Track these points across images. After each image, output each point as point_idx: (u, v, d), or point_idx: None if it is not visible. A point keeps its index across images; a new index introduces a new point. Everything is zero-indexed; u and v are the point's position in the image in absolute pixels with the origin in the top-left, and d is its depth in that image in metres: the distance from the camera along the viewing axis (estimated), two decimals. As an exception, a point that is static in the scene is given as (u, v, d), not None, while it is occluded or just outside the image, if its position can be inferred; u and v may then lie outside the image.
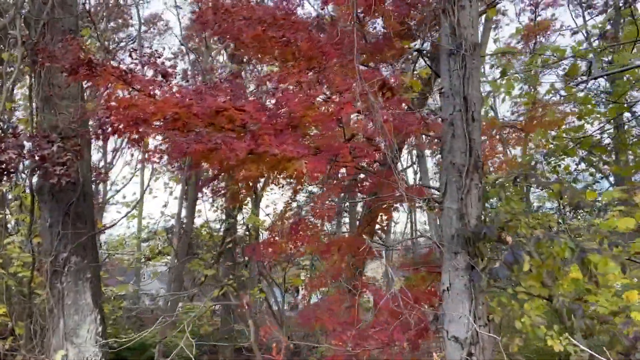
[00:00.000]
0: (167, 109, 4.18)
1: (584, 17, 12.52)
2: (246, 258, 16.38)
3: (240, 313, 15.72)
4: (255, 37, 4.95)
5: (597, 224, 4.71)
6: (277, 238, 5.77)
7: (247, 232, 14.58)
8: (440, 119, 4.66)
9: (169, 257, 15.56)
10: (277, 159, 3.95)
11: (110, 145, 17.23)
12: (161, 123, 4.26)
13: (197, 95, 4.31)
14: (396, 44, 6.26)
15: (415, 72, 5.59)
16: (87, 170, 7.17)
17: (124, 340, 8.54)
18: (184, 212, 14.40)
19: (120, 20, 18.03)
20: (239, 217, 15.51)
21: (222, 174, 5.16)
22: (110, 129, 4.31)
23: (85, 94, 7.68)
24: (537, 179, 4.49)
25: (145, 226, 15.84)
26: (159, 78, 4.45)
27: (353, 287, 6.19)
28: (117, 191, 19.74)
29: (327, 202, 5.00)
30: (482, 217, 4.46)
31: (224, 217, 16.35)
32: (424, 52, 4.74)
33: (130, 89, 4.20)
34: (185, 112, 4.15)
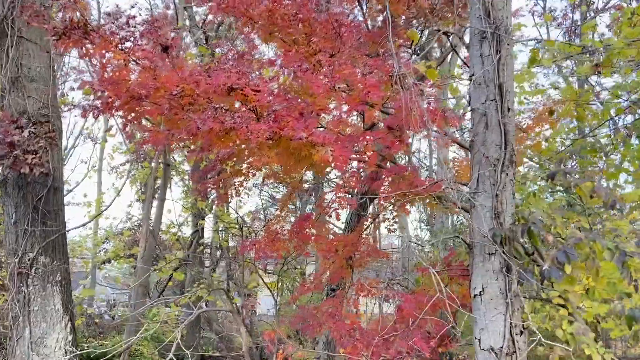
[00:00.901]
0: (171, 84, 3.64)
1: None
2: (215, 261, 15.72)
3: (208, 319, 14.98)
4: (265, 13, 4.46)
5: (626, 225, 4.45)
6: (278, 236, 5.29)
7: (220, 232, 13.94)
8: (470, 109, 4.30)
9: (131, 261, 14.69)
10: (300, 145, 3.48)
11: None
12: (164, 101, 3.70)
13: (205, 72, 3.79)
14: (401, 32, 5.89)
15: (425, 62, 5.22)
16: (57, 162, 6.45)
17: (94, 349, 7.82)
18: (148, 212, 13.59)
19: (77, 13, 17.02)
20: (210, 218, 14.85)
21: (223, 163, 4.64)
22: (101, 105, 3.72)
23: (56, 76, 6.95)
24: (572, 176, 4.19)
25: (109, 227, 14.90)
26: (159, 50, 3.90)
27: (356, 292, 5.76)
28: (70, 190, 18.49)
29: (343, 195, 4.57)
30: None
31: (190, 219, 15.65)
32: (450, 35, 4.37)
33: (130, 61, 3.63)
34: (192, 89, 3.62)
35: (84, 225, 11.40)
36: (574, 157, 7.45)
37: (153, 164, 13.67)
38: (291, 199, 7.33)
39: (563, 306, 4.26)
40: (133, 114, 3.73)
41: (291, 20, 4.47)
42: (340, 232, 6.99)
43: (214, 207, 13.28)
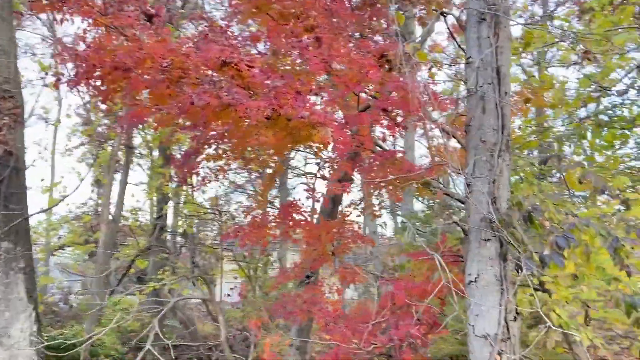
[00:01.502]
0: (158, 55, 3.38)
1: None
2: (179, 248, 15.31)
3: (173, 308, 14.64)
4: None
5: (616, 212, 4.49)
6: (263, 222, 5.08)
7: (183, 219, 13.59)
8: (466, 92, 4.22)
9: (92, 246, 14.15)
10: (299, 125, 3.30)
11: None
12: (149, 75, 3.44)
13: (194, 45, 3.55)
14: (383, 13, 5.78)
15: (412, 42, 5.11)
16: (20, 141, 6.02)
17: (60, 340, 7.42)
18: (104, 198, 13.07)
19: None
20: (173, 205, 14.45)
21: (205, 145, 4.39)
22: (80, 75, 3.42)
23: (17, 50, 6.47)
24: (562, 162, 4.19)
25: (67, 212, 14.23)
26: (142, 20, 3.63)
27: (340, 278, 5.65)
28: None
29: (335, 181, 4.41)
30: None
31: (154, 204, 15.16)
32: (448, 15, 4.27)
33: (112, 27, 3.34)
34: (182, 62, 3.38)
35: (49, 209, 10.84)
36: (541, 146, 7.57)
37: (111, 148, 13.13)
38: (272, 184, 7.11)
39: (545, 290, 4.28)
40: (113, 86, 3.44)
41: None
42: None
43: (181, 191, 12.92)
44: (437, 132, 4.42)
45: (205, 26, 3.90)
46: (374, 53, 4.43)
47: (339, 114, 4.62)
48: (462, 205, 10.83)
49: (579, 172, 4.32)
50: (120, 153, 13.21)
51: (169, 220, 14.95)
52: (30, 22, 12.84)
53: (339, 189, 5.23)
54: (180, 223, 14.76)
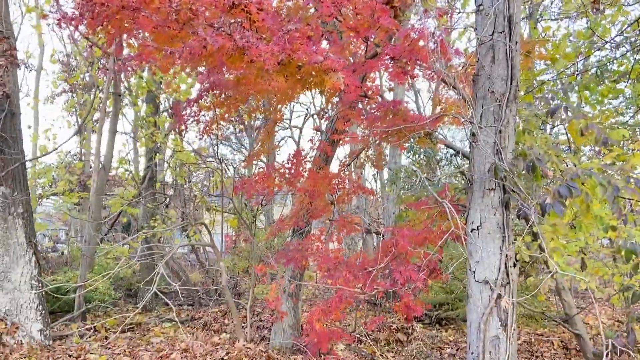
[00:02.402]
0: (166, -4, 3.27)
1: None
2: (167, 199, 15.32)
3: (162, 255, 14.81)
4: None
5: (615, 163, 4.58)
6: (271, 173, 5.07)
7: (174, 169, 13.54)
8: (476, 41, 4.18)
9: (85, 194, 14.06)
10: (310, 70, 3.25)
11: None
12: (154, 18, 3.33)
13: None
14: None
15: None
16: (14, 84, 5.86)
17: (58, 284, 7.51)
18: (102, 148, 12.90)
19: None
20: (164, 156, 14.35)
21: (214, 90, 4.30)
22: (86, 15, 3.31)
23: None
24: (569, 113, 4.21)
25: (59, 160, 13.98)
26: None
27: (339, 228, 5.73)
28: None
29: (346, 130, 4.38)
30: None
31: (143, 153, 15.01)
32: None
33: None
34: (189, 2, 3.28)
35: (46, 154, 10.68)
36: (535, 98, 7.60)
37: (102, 94, 12.84)
38: (272, 133, 7.03)
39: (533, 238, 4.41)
40: (120, 27, 3.33)
41: None
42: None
43: (169, 140, 12.82)
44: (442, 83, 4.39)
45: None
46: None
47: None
48: (454, 158, 10.87)
49: (582, 124, 4.36)
50: (107, 102, 12.96)
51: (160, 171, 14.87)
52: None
53: (340, 139, 5.23)
54: (169, 173, 14.71)
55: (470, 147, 4.23)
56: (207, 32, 3.03)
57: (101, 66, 11.77)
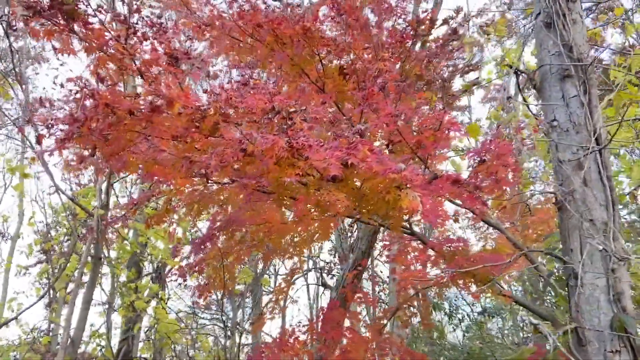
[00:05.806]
0: (188, 99, 2.51)
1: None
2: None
3: None
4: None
5: None
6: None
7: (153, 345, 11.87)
8: (555, 161, 3.46)
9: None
10: (378, 184, 2.38)
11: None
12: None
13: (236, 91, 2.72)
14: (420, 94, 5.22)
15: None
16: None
17: None
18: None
19: None
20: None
21: (222, 232, 3.34)
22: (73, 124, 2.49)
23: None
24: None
25: (21, 340, 12.13)
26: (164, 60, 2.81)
27: None
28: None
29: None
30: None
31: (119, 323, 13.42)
32: (521, 73, 3.63)
33: (129, 60, 2.48)
34: (219, 107, 2.51)
35: (4, 324, 9.16)
36: None
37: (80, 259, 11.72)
38: (290, 284, 5.76)
39: None
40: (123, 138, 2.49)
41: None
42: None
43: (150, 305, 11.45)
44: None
45: (242, 75, 3.08)
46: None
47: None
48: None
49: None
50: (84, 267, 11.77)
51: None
52: None
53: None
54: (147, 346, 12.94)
55: (569, 295, 3.24)
56: (251, 127, 2.21)
57: (81, 234, 10.82)
